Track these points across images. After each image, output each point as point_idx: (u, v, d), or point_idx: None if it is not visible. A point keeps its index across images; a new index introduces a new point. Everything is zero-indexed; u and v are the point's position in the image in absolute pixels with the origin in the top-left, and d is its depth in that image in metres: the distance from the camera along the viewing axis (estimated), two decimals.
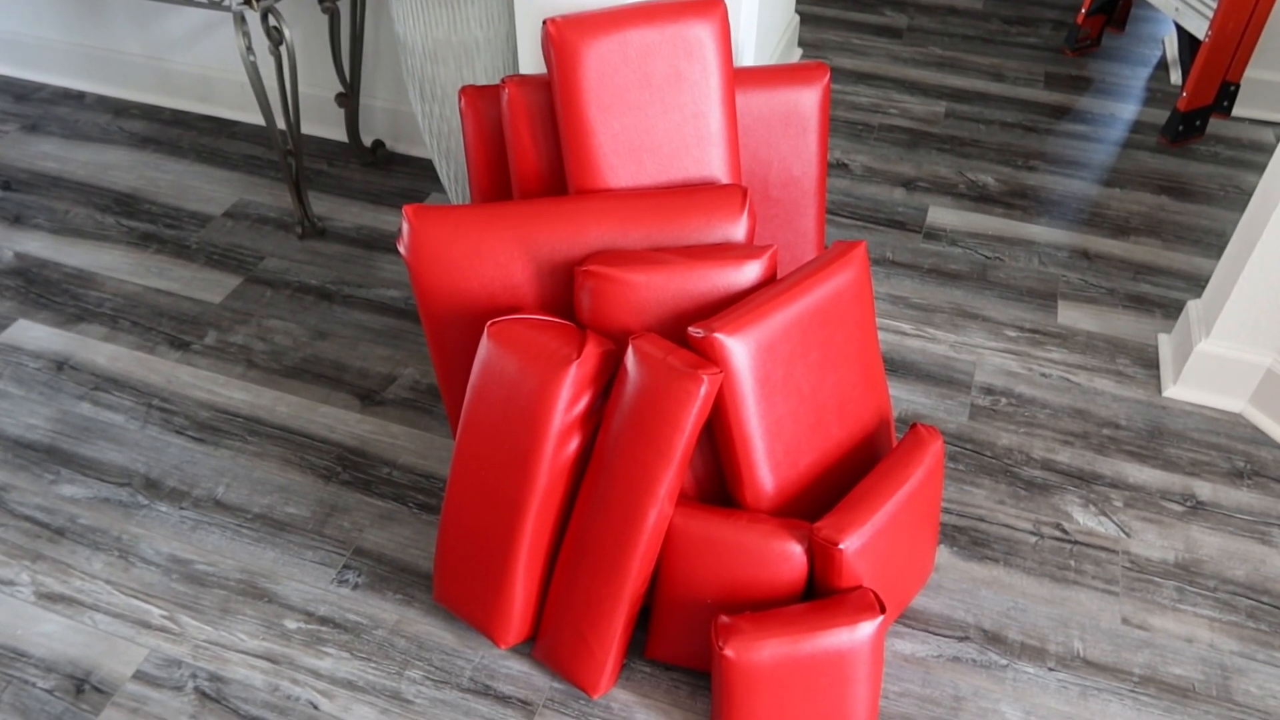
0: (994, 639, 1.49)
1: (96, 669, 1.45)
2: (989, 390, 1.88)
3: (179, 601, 1.53)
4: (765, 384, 1.30)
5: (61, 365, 1.94)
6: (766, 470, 1.35)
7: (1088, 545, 1.61)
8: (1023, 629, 1.50)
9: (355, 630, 1.50)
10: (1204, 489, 1.70)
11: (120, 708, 1.40)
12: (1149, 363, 1.94)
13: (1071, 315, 2.05)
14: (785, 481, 1.37)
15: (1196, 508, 1.67)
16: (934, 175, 2.45)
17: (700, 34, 1.41)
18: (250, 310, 2.06)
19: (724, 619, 1.27)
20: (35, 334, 2.00)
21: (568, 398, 1.28)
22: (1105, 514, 1.66)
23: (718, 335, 1.25)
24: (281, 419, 1.83)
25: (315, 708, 1.40)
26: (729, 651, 1.23)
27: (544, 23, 1.39)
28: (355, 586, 1.55)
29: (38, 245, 2.23)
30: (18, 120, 2.65)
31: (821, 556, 1.30)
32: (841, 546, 1.27)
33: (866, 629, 1.26)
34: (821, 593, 1.33)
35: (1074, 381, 1.90)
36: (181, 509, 1.67)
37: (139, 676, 1.44)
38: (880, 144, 2.57)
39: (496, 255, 1.40)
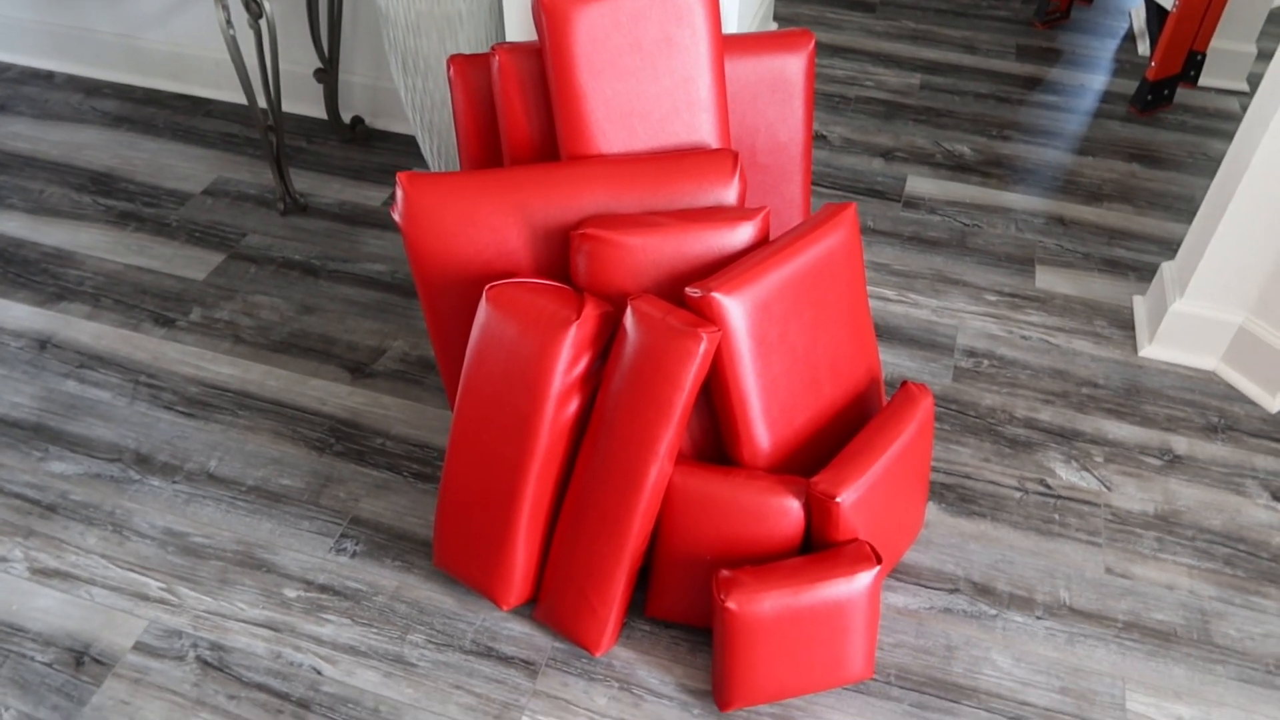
0: (983, 590, 1.53)
1: (96, 641, 1.44)
2: (971, 353, 1.92)
3: (176, 573, 1.53)
4: (761, 343, 1.32)
5: (44, 344, 1.92)
6: (763, 428, 1.37)
7: (1071, 499, 1.66)
8: (1011, 580, 1.54)
9: (355, 597, 1.50)
10: (1180, 443, 1.75)
11: (122, 678, 1.40)
12: (1124, 324, 1.99)
13: (1049, 279, 2.09)
14: (781, 439, 1.40)
15: (1174, 461, 1.72)
16: (911, 145, 2.49)
17: None
18: (235, 286, 2.05)
19: (725, 573, 1.30)
20: (15, 313, 1.98)
21: (567, 359, 1.29)
22: (1087, 469, 1.71)
23: (715, 295, 1.27)
24: (272, 393, 1.82)
25: (318, 673, 1.41)
26: (731, 604, 1.26)
27: None
28: (353, 555, 1.56)
29: (13, 225, 2.20)
30: None
31: (819, 510, 1.32)
32: (838, 500, 1.30)
33: (864, 579, 1.29)
34: (818, 546, 1.36)
35: (1053, 343, 1.94)
36: (174, 483, 1.67)
37: (139, 647, 1.44)
38: (858, 115, 2.60)
39: (491, 221, 1.40)
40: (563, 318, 1.28)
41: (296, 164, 2.40)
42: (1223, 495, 1.67)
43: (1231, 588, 1.53)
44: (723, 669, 1.32)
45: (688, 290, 1.29)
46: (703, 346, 1.24)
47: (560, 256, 1.43)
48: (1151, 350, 1.91)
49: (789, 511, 1.34)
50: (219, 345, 1.92)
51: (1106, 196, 2.32)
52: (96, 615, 1.48)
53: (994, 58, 2.85)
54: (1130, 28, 3.01)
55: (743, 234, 1.37)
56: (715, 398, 1.36)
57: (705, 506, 1.36)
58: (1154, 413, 1.81)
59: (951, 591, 1.52)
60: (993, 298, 2.04)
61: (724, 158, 1.43)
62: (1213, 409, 1.81)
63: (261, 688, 1.39)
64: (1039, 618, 1.49)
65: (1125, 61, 2.84)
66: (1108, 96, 2.68)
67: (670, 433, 1.28)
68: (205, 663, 1.42)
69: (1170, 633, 1.47)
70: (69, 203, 2.27)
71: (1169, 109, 2.62)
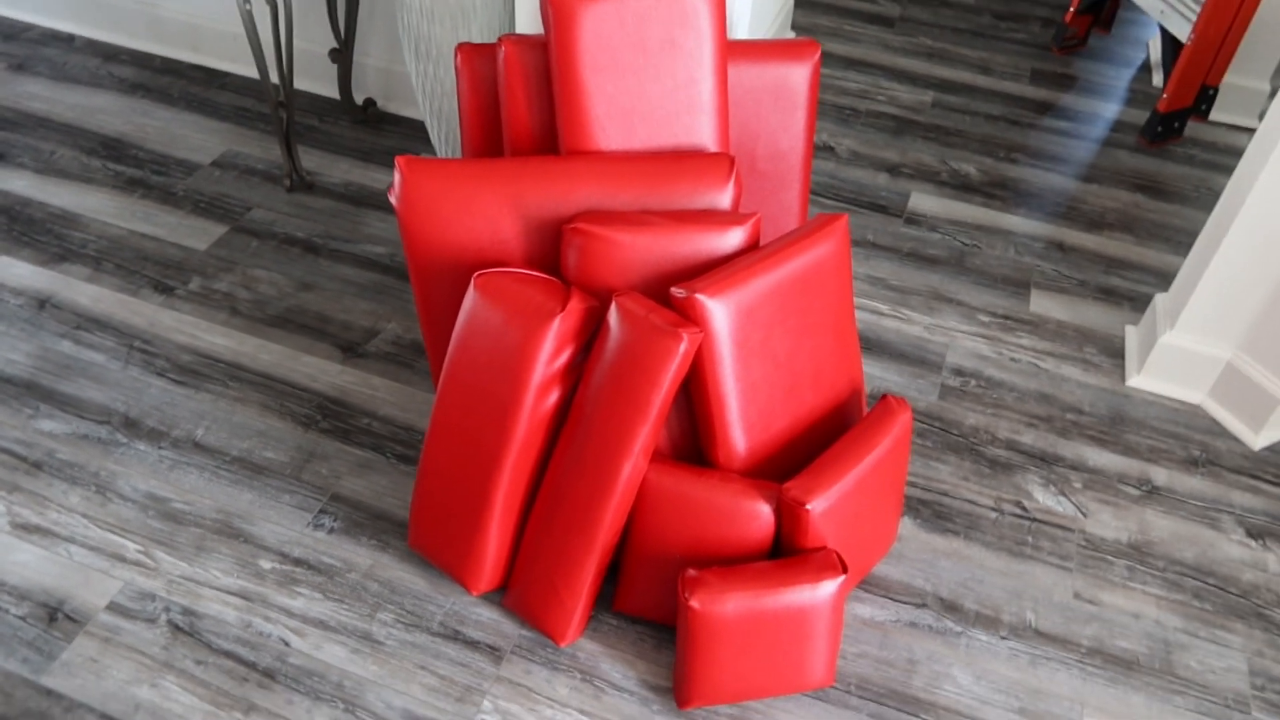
0: (950, 607, 1.54)
1: (70, 598, 1.46)
2: (959, 372, 1.93)
3: (155, 538, 1.55)
4: (743, 347, 1.34)
5: (43, 303, 1.94)
6: (740, 432, 1.38)
7: (1046, 523, 1.67)
8: (978, 599, 1.55)
9: (329, 573, 1.52)
10: (1160, 475, 1.76)
11: (93, 637, 1.42)
12: (1115, 353, 1.99)
13: (1043, 304, 2.10)
14: (758, 444, 1.41)
15: (1152, 492, 1.73)
16: (918, 162, 2.49)
17: (696, 2, 1.43)
18: (235, 259, 2.07)
19: (691, 572, 1.31)
20: (17, 271, 2.01)
21: (550, 351, 1.31)
22: (1064, 494, 1.71)
23: (699, 296, 1.28)
24: (263, 366, 1.84)
25: (286, 644, 1.43)
26: (695, 603, 1.27)
27: None
28: (330, 531, 1.58)
29: (22, 184, 2.23)
30: (4, 59, 2.63)
31: (789, 517, 1.34)
32: (809, 507, 1.31)
33: (828, 588, 1.30)
34: (787, 552, 1.37)
35: (1042, 367, 1.95)
36: (160, 448, 1.69)
37: (112, 608, 1.46)
38: (867, 129, 2.61)
39: (487, 210, 1.42)
40: (548, 309, 1.30)
41: (307, 142, 2.42)
42: (1197, 529, 1.67)
43: (1198, 620, 1.54)
44: (683, 667, 1.33)
45: (673, 290, 1.30)
46: (683, 346, 1.25)
47: (553, 249, 1.44)
48: (1139, 380, 1.92)
49: (760, 515, 1.35)
50: (215, 316, 1.94)
51: (1108, 225, 2.33)
52: (73, 573, 1.50)
53: (1008, 80, 2.86)
54: (1147, 58, 3.01)
55: (733, 238, 1.39)
56: (694, 399, 1.38)
57: (678, 505, 1.37)
58: (1136, 443, 1.81)
59: (919, 606, 1.53)
60: (985, 318, 2.05)
61: (720, 162, 1.45)
62: (1195, 443, 1.82)
63: (229, 655, 1.41)
64: (1003, 638, 1.50)
65: (1139, 92, 2.85)
66: (1118, 126, 2.68)
67: (646, 430, 1.30)
68: (176, 627, 1.44)
69: (1133, 661, 1.48)
70: (79, 165, 2.29)
71: (1178, 142, 2.62)
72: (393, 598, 1.50)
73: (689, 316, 1.29)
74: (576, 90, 1.43)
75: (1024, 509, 1.69)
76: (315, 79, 2.57)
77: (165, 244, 2.10)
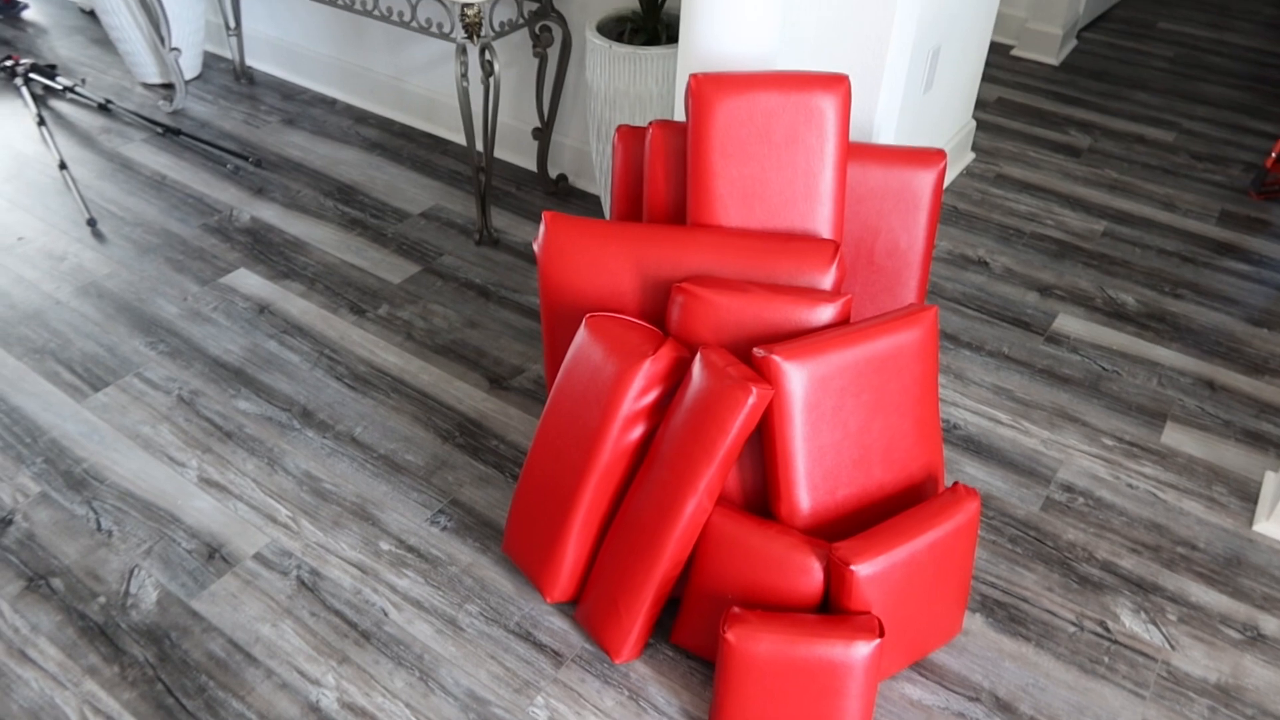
0: (1004, 707, 1.53)
1: (228, 544, 1.75)
2: (1069, 488, 1.92)
3: (303, 508, 1.82)
4: (814, 411, 1.45)
5: (263, 309, 2.32)
6: (804, 491, 1.48)
7: (1127, 647, 1.63)
8: (1036, 705, 1.54)
9: (434, 563, 1.73)
10: (1270, 624, 1.68)
11: (237, 577, 1.69)
12: (1248, 497, 1.91)
13: (1177, 437, 2.05)
14: (821, 506, 1.50)
15: (1256, 639, 1.65)
16: (1073, 286, 2.50)
17: (822, 105, 1.60)
18: (420, 294, 2.39)
19: (735, 610, 1.41)
20: (250, 281, 2.41)
21: (638, 388, 1.47)
22: (1155, 623, 1.67)
23: (775, 357, 1.41)
24: (422, 385, 2.12)
25: (385, 615, 1.64)
26: (730, 636, 1.37)
27: (689, 77, 1.62)
28: (444, 529, 1.79)
29: (270, 213, 2.67)
30: (280, 114, 3.17)
31: (836, 576, 1.42)
32: (854, 569, 1.39)
33: (861, 650, 1.36)
34: (834, 611, 1.45)
35: (1160, 498, 1.91)
36: (324, 438, 1.97)
37: (257, 557, 1.72)
38: (1027, 250, 2.64)
39: (611, 265, 1.62)
40: (642, 351, 1.47)
41: (502, 205, 2.75)
42: None
43: None
44: (716, 699, 1.42)
45: (754, 350, 1.44)
46: (751, 400, 1.38)
47: (664, 305, 1.62)
48: (1266, 526, 1.83)
49: (810, 570, 1.44)
50: (393, 338, 2.24)
51: (1270, 371, 2.24)
52: (235, 524, 1.78)
53: (1192, 218, 2.81)
54: None
55: (823, 314, 1.51)
56: (765, 454, 1.49)
57: (736, 550, 1.48)
58: (1250, 588, 1.74)
59: (971, 699, 1.54)
60: (1109, 442, 2.03)
61: (826, 247, 1.58)
62: None
63: (338, 613, 1.64)
64: None
65: None
66: None
67: (711, 472, 1.43)
68: (302, 582, 1.68)
69: None
70: (316, 204, 2.72)
71: None
72: (482, 593, 1.68)
73: (764, 375, 1.42)
74: (705, 171, 1.62)
75: (1107, 629, 1.66)
76: (519, 152, 2.92)
77: (367, 274, 2.45)
